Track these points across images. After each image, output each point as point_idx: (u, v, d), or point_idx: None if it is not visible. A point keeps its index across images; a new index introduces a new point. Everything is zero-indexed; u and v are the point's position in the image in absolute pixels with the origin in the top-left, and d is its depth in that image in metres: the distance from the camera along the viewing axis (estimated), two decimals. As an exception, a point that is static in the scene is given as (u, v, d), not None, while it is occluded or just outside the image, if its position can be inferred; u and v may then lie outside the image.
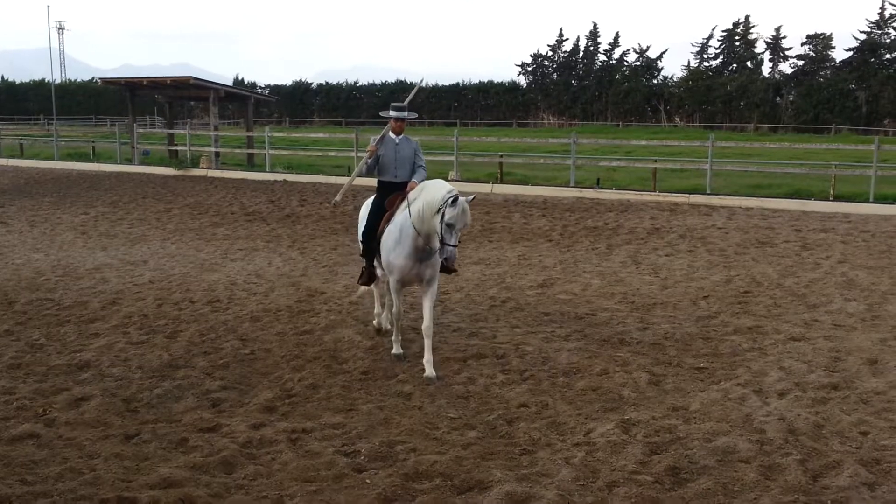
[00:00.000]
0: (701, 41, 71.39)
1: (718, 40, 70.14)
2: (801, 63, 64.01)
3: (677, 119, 67.35)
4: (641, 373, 7.00)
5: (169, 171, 27.79)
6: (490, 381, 6.84)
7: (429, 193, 6.70)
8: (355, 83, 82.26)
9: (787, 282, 10.57)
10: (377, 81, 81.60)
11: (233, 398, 6.45)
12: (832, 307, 9.26)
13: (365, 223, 7.61)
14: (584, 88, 72.00)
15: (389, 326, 7.87)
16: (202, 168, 27.51)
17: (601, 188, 20.68)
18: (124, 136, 31.68)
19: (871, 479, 5.02)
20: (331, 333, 8.26)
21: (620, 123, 66.10)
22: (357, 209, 10.12)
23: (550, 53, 75.98)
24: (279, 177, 25.10)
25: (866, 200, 17.85)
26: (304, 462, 5.22)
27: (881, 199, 17.96)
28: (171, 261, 12.26)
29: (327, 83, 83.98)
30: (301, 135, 40.77)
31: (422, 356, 7.10)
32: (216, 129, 30.01)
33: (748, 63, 66.88)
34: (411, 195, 7.00)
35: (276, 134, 31.18)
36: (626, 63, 73.15)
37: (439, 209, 6.49)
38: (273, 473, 5.09)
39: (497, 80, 78.12)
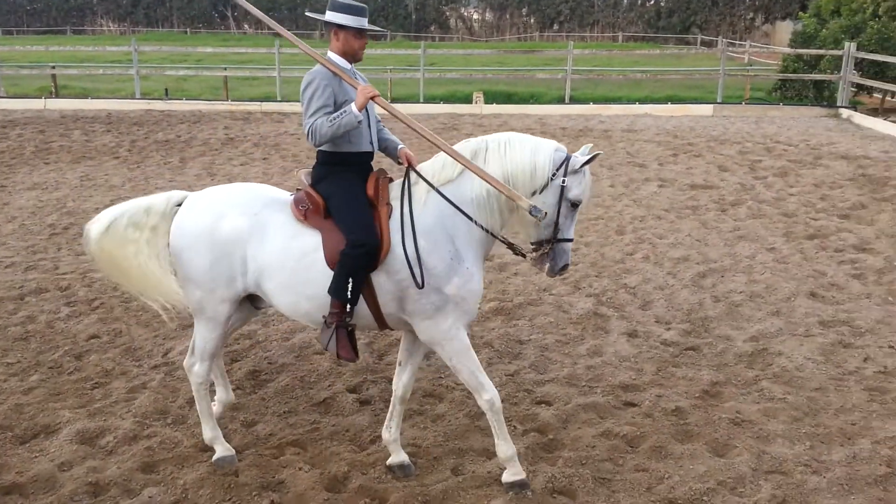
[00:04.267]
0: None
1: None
2: (358, -29, 66.83)
3: (246, 26, 66.36)
4: (220, 284, 6.97)
5: None
6: (53, 317, 6.24)
7: (511, 157, 3.81)
8: None
9: (355, 181, 11.26)
10: None
11: None
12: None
13: (353, 235, 3.81)
14: (144, -9, 66.81)
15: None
16: None
17: (170, 99, 19.68)
18: None
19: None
20: None
21: (188, 30, 63.08)
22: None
23: (101, -49, 68.72)
24: None
25: (417, 101, 19.66)
26: None
27: (430, 99, 19.92)
28: None
29: None
30: None
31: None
32: None
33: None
34: (431, 169, 3.95)
35: None
36: (187, -35, 69.32)
37: (550, 181, 3.80)
38: None
39: (39, -21, 68.55)
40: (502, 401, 4.91)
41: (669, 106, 18.91)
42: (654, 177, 11.40)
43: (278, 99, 19.72)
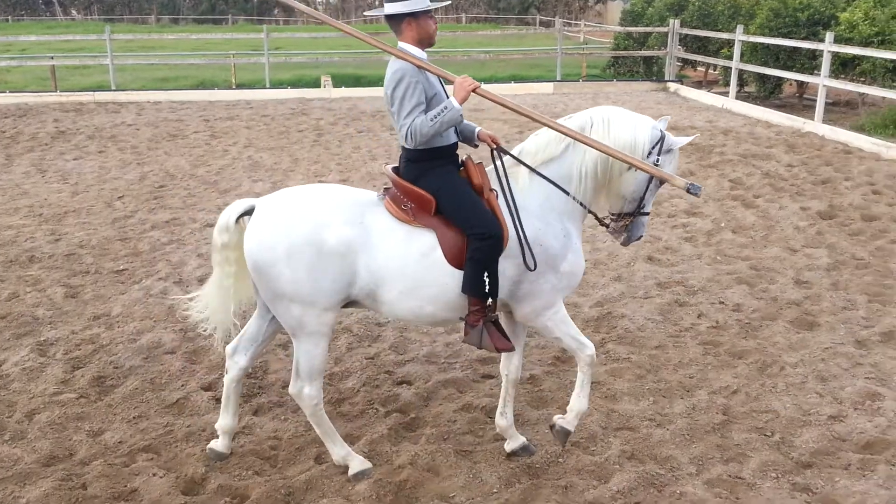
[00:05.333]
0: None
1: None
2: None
3: (74, 12, 62.19)
4: (57, 287, 6.55)
5: None
6: None
7: (615, 133, 3.79)
8: None
9: (200, 171, 10.87)
10: None
11: None
12: (241, 190, 9.86)
13: (476, 228, 3.70)
14: (-48, -25, 61.16)
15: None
16: None
17: (-10, 92, 18.18)
18: None
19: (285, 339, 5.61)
20: None
21: (9, 18, 58.40)
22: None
23: None
24: None
25: (264, 87, 19.17)
26: None
27: (276, 84, 19.47)
28: None
29: None
30: None
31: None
32: None
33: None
34: (534, 147, 3.91)
35: None
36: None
37: (646, 159, 3.81)
38: None
39: None
40: (362, 384, 4.96)
41: (513, 85, 19.40)
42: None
43: (112, 88, 18.65)
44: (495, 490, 3.91)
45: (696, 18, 19.31)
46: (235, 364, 4.09)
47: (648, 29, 20.29)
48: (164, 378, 5.03)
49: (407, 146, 3.79)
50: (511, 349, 3.91)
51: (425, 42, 3.83)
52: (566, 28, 26.06)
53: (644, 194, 3.90)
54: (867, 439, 4.32)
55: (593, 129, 3.80)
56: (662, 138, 3.83)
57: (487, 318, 3.78)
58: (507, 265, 3.78)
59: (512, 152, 3.93)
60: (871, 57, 13.40)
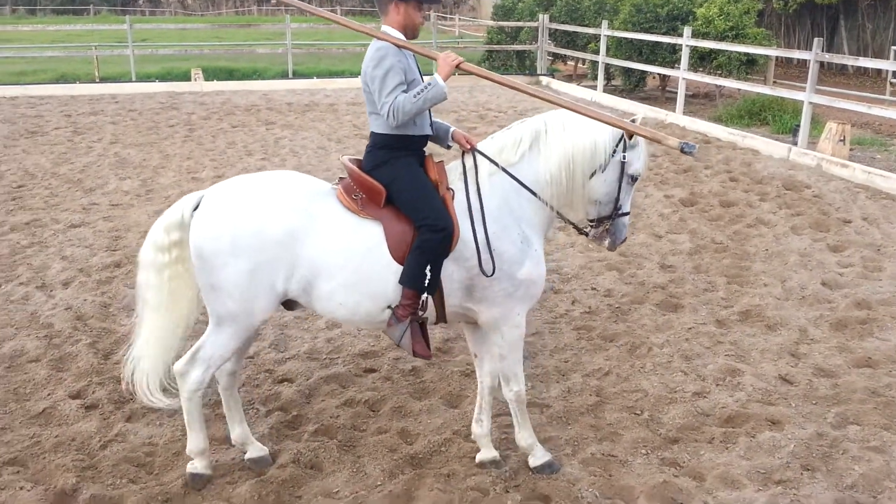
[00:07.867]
0: None
1: None
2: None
3: None
4: None
5: None
6: None
7: (572, 137, 3.68)
8: None
9: (62, 169, 10.32)
10: None
11: None
12: (108, 188, 9.43)
13: (429, 219, 3.57)
14: None
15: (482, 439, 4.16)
16: None
17: None
18: None
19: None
20: None
21: None
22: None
23: None
24: None
25: (130, 80, 18.35)
26: None
27: (143, 77, 18.68)
28: None
29: None
30: None
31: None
32: None
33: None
34: (490, 151, 3.80)
35: None
36: None
37: (610, 159, 3.71)
38: None
39: None
40: (241, 384, 4.87)
41: (391, 78, 19.39)
42: (380, 148, 11.68)
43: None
44: (379, 483, 3.94)
45: (564, 14, 19.91)
46: (223, 371, 3.96)
47: (519, 24, 20.74)
48: (28, 388, 4.77)
49: (379, 131, 3.75)
50: (428, 357, 3.80)
51: (409, 31, 3.77)
52: (441, 22, 26.27)
53: (618, 195, 3.79)
54: (728, 413, 4.61)
55: (549, 134, 3.74)
56: (623, 136, 3.72)
57: (415, 318, 3.68)
58: (456, 268, 3.68)
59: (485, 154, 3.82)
60: (726, 51, 14.25)
